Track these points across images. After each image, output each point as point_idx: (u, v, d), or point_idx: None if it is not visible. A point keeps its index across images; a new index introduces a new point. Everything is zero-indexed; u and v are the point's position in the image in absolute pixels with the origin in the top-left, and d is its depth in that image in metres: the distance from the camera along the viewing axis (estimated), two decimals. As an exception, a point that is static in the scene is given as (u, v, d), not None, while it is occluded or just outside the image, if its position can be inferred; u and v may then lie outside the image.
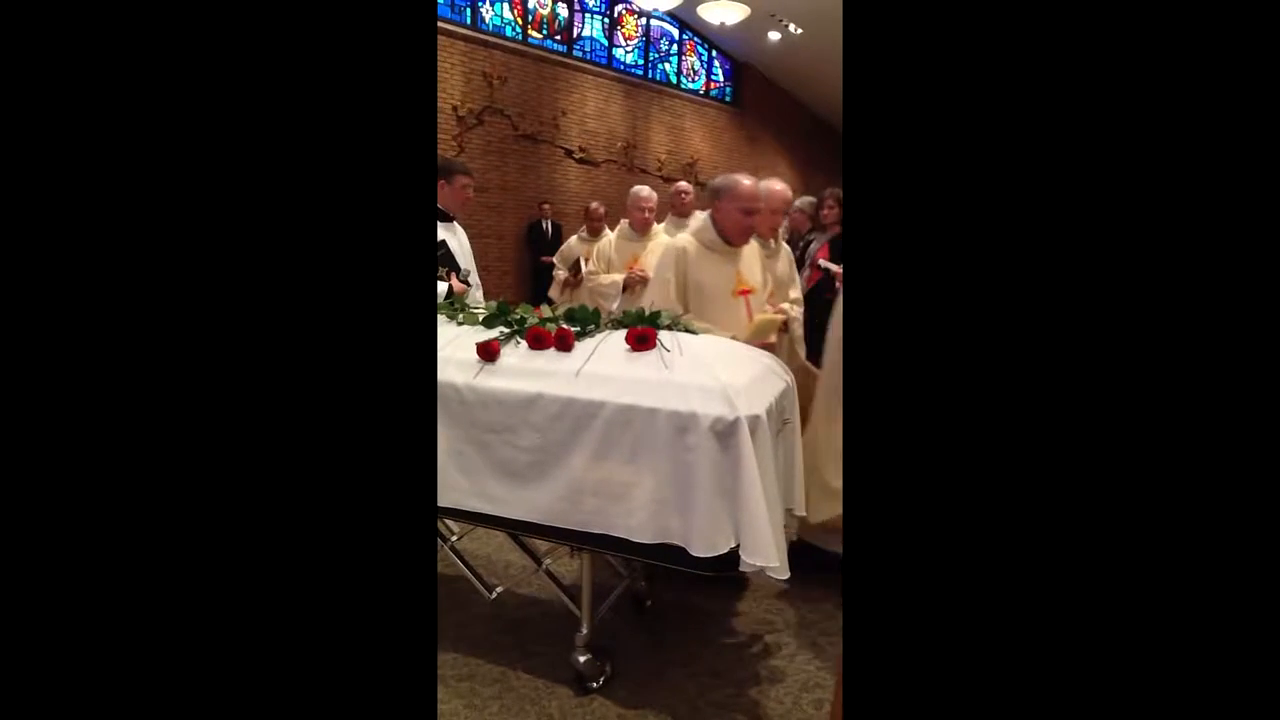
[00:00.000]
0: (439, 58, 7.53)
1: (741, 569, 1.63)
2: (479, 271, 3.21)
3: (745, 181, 2.37)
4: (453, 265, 2.95)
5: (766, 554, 1.59)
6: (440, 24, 7.54)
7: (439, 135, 7.53)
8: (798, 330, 2.87)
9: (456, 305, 2.25)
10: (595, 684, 1.92)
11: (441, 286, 2.79)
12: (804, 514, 2.06)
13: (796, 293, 3.03)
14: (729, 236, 2.42)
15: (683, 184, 4.35)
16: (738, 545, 1.62)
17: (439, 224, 2.90)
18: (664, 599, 2.42)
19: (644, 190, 3.97)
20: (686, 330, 1.93)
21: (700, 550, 1.63)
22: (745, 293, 2.47)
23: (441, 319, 2.16)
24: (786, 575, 1.66)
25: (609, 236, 4.11)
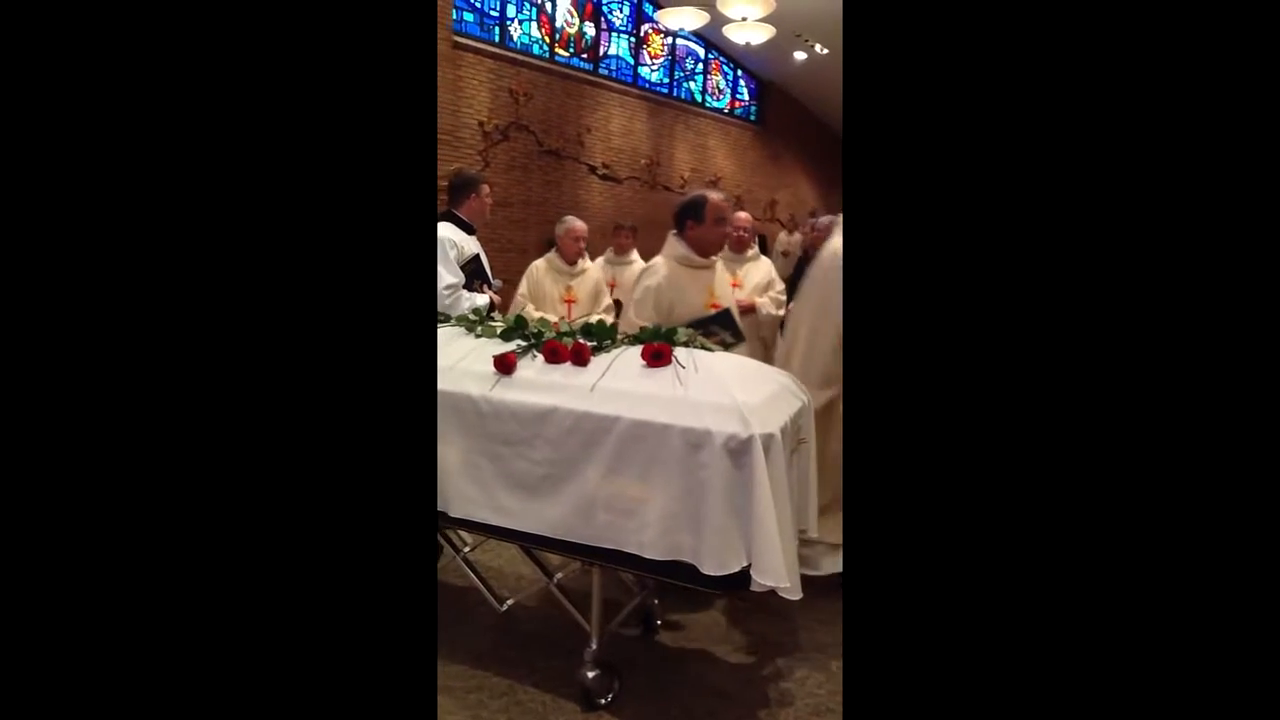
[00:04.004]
0: (467, 75, 7.66)
1: (752, 589, 1.62)
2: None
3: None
4: (485, 278, 2.98)
5: (778, 574, 1.58)
6: (469, 41, 7.68)
7: (465, 151, 7.64)
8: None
9: (492, 318, 2.28)
10: (603, 700, 1.91)
11: (481, 299, 2.83)
12: (816, 535, 2.04)
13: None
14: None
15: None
16: (749, 564, 1.61)
17: (469, 237, 2.94)
18: (674, 617, 2.40)
19: (742, 214, 3.81)
20: (703, 348, 1.94)
21: (711, 568, 1.62)
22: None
23: (459, 331, 2.18)
24: (798, 596, 1.65)
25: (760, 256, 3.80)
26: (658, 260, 2.63)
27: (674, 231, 2.63)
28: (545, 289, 3.64)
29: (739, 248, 3.67)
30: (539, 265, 3.73)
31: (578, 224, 3.75)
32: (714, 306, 2.61)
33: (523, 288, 3.67)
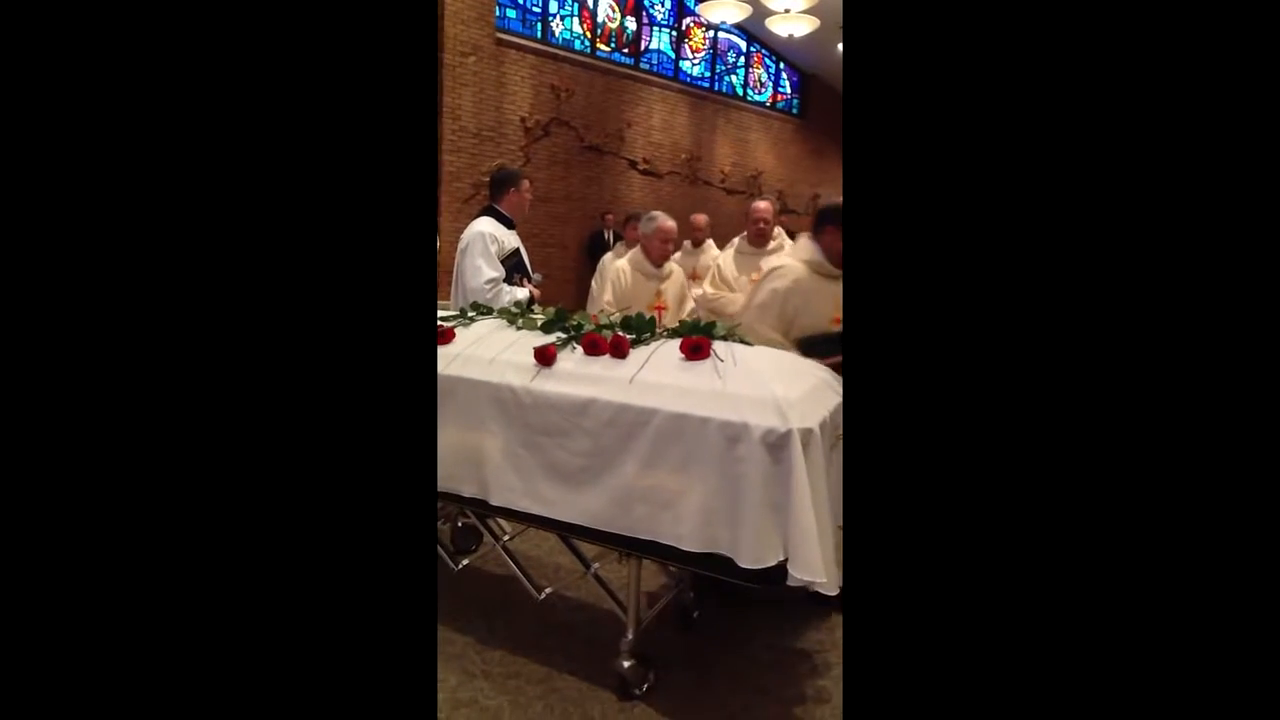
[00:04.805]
0: (509, 72, 7.74)
1: (789, 583, 1.61)
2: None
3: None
4: (525, 272, 3.02)
5: (815, 569, 1.57)
6: (511, 38, 7.76)
7: (507, 147, 7.72)
8: None
9: (532, 311, 2.31)
10: (638, 691, 1.93)
11: (521, 293, 2.87)
12: None
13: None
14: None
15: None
16: (786, 559, 1.61)
17: (509, 231, 2.98)
18: (711, 611, 2.40)
19: (761, 203, 3.58)
20: (741, 341, 1.93)
21: (748, 562, 1.62)
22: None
23: (501, 323, 2.22)
24: (835, 592, 1.64)
25: (717, 252, 3.77)
26: (788, 262, 2.37)
27: (810, 234, 2.38)
28: (633, 295, 3.17)
29: (759, 240, 3.40)
30: (624, 269, 3.25)
31: (668, 222, 3.21)
32: (839, 322, 2.28)
33: (608, 294, 3.22)
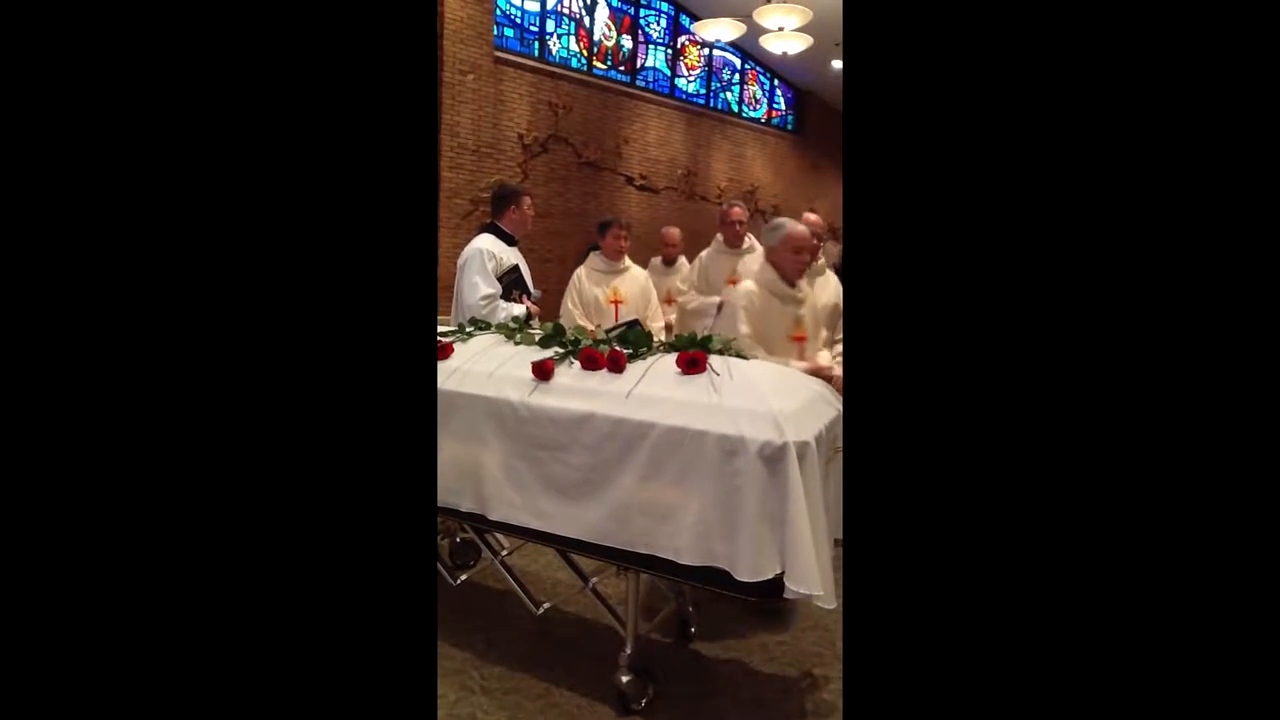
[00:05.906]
0: (507, 89, 7.80)
1: (786, 596, 1.62)
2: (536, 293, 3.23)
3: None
4: (524, 288, 3.03)
5: (811, 582, 1.58)
6: (509, 56, 7.83)
7: (505, 163, 7.77)
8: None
9: (530, 326, 2.32)
10: (637, 706, 1.92)
11: (518, 309, 2.88)
12: None
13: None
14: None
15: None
16: (783, 571, 1.61)
17: (509, 248, 3.01)
18: (709, 625, 2.40)
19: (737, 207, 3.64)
20: (738, 355, 1.95)
21: (745, 575, 1.62)
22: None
23: (499, 338, 2.24)
24: (833, 605, 1.64)
25: (699, 257, 3.73)
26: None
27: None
28: (767, 322, 2.50)
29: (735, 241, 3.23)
30: (754, 292, 2.51)
31: (798, 228, 2.54)
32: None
33: (744, 325, 2.45)
